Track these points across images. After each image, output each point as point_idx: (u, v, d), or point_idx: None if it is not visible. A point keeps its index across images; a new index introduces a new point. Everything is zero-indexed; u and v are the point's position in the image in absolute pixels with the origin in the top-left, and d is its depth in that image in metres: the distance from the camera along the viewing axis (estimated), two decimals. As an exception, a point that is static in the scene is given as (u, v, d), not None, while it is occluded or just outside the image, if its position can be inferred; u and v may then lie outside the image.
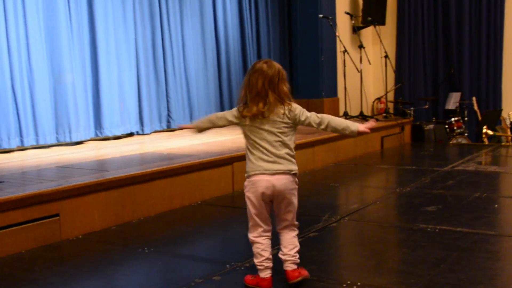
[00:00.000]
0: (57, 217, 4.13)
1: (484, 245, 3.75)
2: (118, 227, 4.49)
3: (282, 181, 3.05)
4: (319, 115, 3.10)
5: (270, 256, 3.12)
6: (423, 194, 5.33)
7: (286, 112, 3.04)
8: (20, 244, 3.90)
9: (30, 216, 3.98)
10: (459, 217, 4.45)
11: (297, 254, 3.15)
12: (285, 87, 3.08)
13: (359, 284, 3.09)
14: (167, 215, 4.86)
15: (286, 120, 3.05)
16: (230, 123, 3.20)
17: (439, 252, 3.58)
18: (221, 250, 4.11)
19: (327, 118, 3.10)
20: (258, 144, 3.06)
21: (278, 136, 3.05)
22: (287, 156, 3.07)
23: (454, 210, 4.70)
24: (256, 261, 3.13)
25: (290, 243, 3.15)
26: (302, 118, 3.07)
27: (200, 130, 3.31)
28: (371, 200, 5.20)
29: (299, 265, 3.18)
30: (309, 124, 3.10)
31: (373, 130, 8.71)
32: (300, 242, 3.81)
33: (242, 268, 3.43)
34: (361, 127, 3.11)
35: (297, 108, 3.08)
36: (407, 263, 3.44)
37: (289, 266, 3.12)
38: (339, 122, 3.12)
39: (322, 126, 3.09)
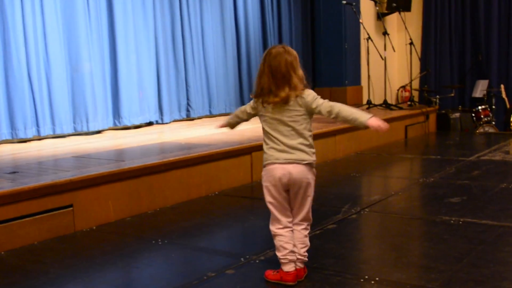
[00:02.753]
0: (71, 208, 4.07)
1: (509, 238, 3.59)
2: (133, 218, 4.42)
3: (298, 169, 2.91)
4: (332, 103, 2.92)
5: (294, 249, 2.98)
6: (447, 185, 5.16)
7: (298, 99, 2.90)
8: (33, 235, 3.85)
9: (44, 207, 3.93)
10: (484, 209, 4.29)
11: (306, 253, 3.03)
12: (302, 72, 2.95)
13: (377, 279, 2.96)
14: (183, 206, 4.78)
15: (298, 107, 2.91)
16: (250, 116, 3.13)
17: (462, 245, 3.44)
18: (237, 243, 4.01)
19: (338, 106, 2.91)
20: (271, 134, 2.95)
21: (289, 125, 2.91)
22: (300, 146, 2.92)
23: (479, 202, 4.53)
24: (279, 254, 2.99)
25: (302, 242, 3.01)
26: (313, 106, 2.91)
27: (232, 126, 3.29)
28: (393, 190, 5.06)
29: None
30: (320, 113, 2.93)
31: (397, 118, 8.47)
32: (318, 234, 3.75)
33: (257, 261, 3.32)
34: (371, 121, 2.85)
35: (309, 95, 2.92)
36: (428, 257, 3.30)
37: (298, 265, 3.01)
38: (349, 112, 2.90)
39: (333, 115, 2.90)
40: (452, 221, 3.96)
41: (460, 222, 3.93)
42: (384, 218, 4.28)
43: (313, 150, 2.98)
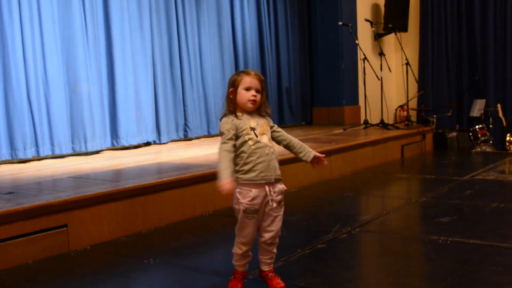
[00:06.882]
0: (65, 228, 4.14)
1: (496, 257, 3.63)
2: (128, 238, 4.48)
3: None
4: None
5: None
6: (439, 205, 5.22)
7: None
8: (27, 255, 3.91)
9: (39, 227, 3.99)
10: (473, 228, 4.34)
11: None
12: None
13: (362, 298, 3.02)
14: (178, 226, 4.83)
15: None
16: None
17: (448, 265, 3.49)
18: (230, 262, 4.04)
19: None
20: None
21: None
22: None
23: (468, 221, 4.59)
24: None
25: None
26: None
27: None
28: (384, 210, 5.12)
29: None
30: None
31: (393, 138, 8.45)
32: (307, 254, 3.82)
33: (250, 278, 3.37)
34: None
35: None
36: (414, 276, 3.35)
37: None
38: None
39: None
40: (440, 241, 4.01)
41: (448, 242, 3.98)
42: (374, 238, 4.33)
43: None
